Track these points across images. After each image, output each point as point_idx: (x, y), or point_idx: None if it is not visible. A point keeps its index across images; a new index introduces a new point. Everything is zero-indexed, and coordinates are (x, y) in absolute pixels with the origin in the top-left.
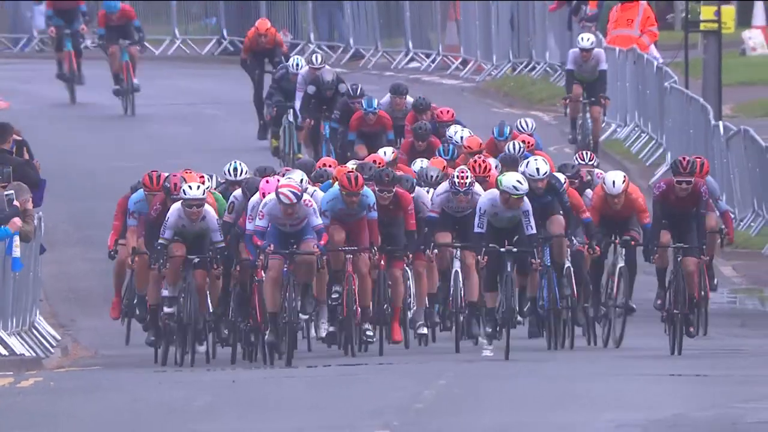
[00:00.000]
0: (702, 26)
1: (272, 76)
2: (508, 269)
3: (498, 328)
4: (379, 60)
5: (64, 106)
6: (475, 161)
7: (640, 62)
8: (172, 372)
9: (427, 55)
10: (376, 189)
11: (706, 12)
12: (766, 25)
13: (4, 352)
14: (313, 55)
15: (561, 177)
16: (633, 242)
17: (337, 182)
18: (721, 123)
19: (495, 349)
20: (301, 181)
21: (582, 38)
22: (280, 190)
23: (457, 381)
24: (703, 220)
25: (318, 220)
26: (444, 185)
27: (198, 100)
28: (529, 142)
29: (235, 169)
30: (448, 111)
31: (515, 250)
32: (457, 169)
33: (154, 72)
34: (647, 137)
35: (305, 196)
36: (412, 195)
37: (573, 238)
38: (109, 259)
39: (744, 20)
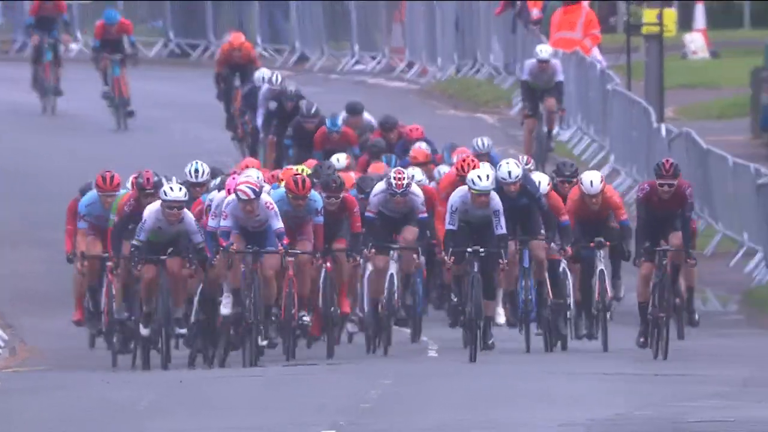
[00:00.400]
0: (644, 29)
1: (241, 92)
2: (475, 270)
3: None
4: (325, 62)
5: (14, 109)
6: (464, 160)
7: (582, 65)
8: (120, 372)
9: (373, 58)
10: (323, 194)
11: (648, 15)
12: (707, 29)
13: None
14: (274, 75)
15: (545, 179)
16: (608, 242)
17: (284, 184)
18: (663, 125)
19: (440, 349)
20: (258, 179)
21: (540, 50)
22: (238, 187)
23: (403, 380)
24: (688, 223)
25: (279, 223)
26: (381, 185)
27: (147, 102)
28: (474, 162)
29: (197, 170)
30: (417, 129)
31: (482, 251)
32: (393, 170)
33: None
34: (590, 140)
35: (265, 197)
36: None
37: (552, 243)
38: (68, 263)
39: (685, 24)
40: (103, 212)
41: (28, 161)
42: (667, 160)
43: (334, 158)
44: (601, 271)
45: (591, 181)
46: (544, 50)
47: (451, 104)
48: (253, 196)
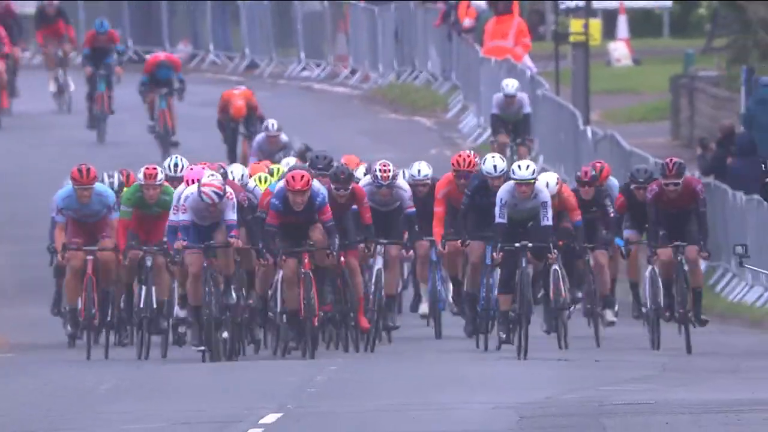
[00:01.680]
0: (571, 38)
1: (253, 143)
2: (524, 265)
3: (510, 331)
4: (274, 69)
5: None
6: (460, 155)
7: (514, 71)
8: (82, 358)
9: (318, 65)
10: (332, 186)
11: (575, 25)
12: (629, 38)
13: None
14: (269, 122)
15: (552, 179)
16: (561, 242)
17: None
18: (589, 128)
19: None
20: (242, 176)
21: (507, 84)
22: (202, 189)
23: (347, 367)
24: (704, 219)
25: (233, 215)
26: (367, 179)
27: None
28: (469, 157)
29: (176, 165)
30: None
31: (530, 245)
32: (379, 162)
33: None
34: (521, 140)
35: (228, 190)
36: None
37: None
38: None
39: (609, 33)
40: (79, 206)
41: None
42: (671, 160)
43: (283, 162)
44: (555, 270)
45: (547, 183)
46: (510, 85)
47: (392, 108)
48: (216, 201)
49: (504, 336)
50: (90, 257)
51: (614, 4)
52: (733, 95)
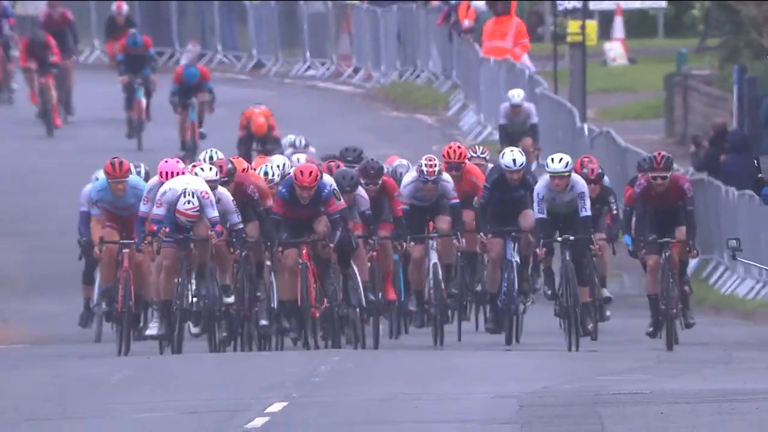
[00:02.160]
0: (569, 39)
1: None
2: (567, 258)
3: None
4: (280, 68)
5: None
6: (450, 147)
7: (513, 71)
8: (93, 350)
9: (323, 64)
10: (362, 181)
11: (573, 26)
12: (625, 38)
13: None
14: (297, 138)
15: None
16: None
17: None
18: (585, 125)
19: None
20: (284, 165)
21: (513, 95)
22: (177, 216)
23: (350, 357)
24: (692, 217)
25: (214, 213)
26: (412, 175)
27: (118, 104)
28: (459, 149)
29: (211, 158)
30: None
31: (572, 238)
32: (424, 158)
33: (77, 79)
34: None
35: (201, 187)
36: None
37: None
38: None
39: (605, 33)
40: (113, 199)
41: (5, 159)
42: (659, 153)
43: (293, 157)
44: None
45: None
46: (516, 95)
47: (394, 106)
48: (196, 219)
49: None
50: (126, 250)
51: (610, 6)
52: (725, 94)
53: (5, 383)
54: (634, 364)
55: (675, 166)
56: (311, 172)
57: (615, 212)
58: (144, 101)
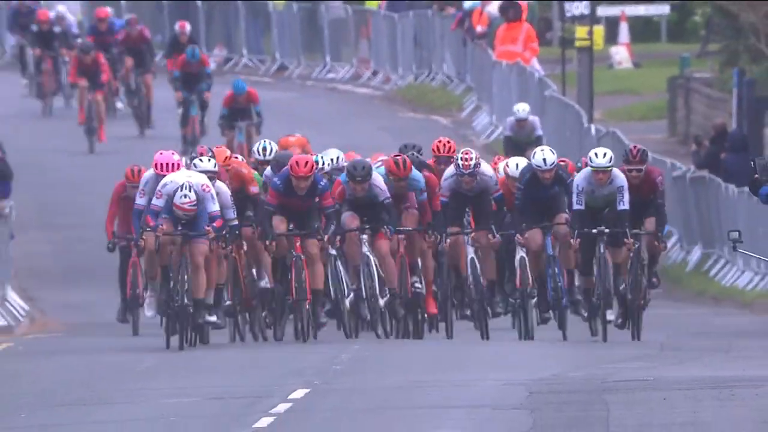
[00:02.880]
0: (576, 43)
1: None
2: (601, 251)
3: (593, 312)
4: (302, 71)
5: (31, 112)
6: (440, 141)
7: (523, 74)
8: (123, 338)
9: (343, 67)
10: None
11: (580, 31)
12: (630, 43)
13: None
14: (339, 155)
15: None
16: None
17: (383, 167)
18: (592, 126)
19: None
20: (338, 158)
21: (518, 109)
22: (175, 209)
23: (369, 346)
24: (662, 210)
25: (214, 206)
26: (450, 169)
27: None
28: (449, 143)
29: (264, 148)
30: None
31: (607, 231)
32: (461, 151)
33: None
34: (541, 126)
35: (202, 180)
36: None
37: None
38: (107, 251)
39: (611, 38)
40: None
41: (42, 154)
42: (635, 146)
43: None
44: (522, 258)
45: (517, 164)
46: (521, 109)
47: (410, 108)
48: (193, 212)
49: (586, 315)
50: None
51: (616, 12)
52: (725, 96)
53: (41, 370)
54: (638, 352)
55: (668, 159)
56: (307, 162)
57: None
58: (198, 117)
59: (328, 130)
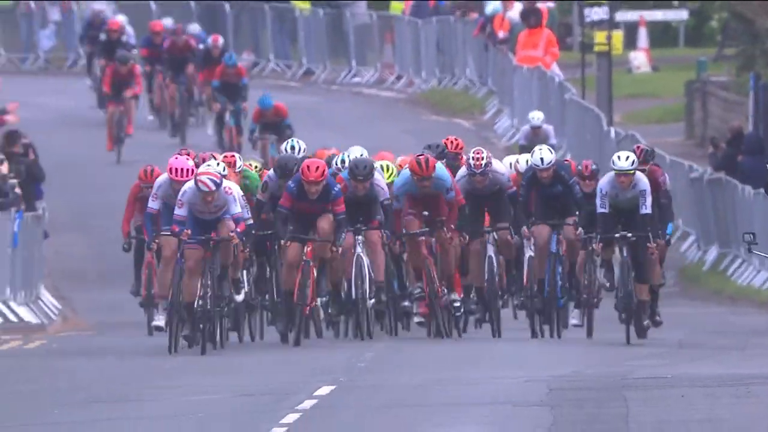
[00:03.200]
0: (596, 48)
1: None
2: (625, 255)
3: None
4: (328, 76)
5: (66, 115)
6: (448, 138)
7: (544, 78)
8: (151, 338)
9: (367, 71)
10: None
11: (599, 36)
12: (648, 47)
13: (15, 319)
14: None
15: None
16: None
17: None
18: (612, 129)
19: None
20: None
21: (533, 117)
22: (198, 177)
23: (393, 345)
24: (665, 208)
25: (237, 209)
26: (462, 170)
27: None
28: (456, 141)
29: (293, 147)
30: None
31: (629, 235)
32: (472, 151)
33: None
34: (555, 134)
35: (225, 183)
36: (372, 179)
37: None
38: (123, 251)
39: (630, 43)
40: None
41: (76, 158)
42: (638, 147)
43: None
44: (530, 257)
45: (511, 163)
46: (536, 117)
47: (433, 111)
48: (213, 188)
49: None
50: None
51: (635, 17)
52: (741, 99)
53: (73, 367)
54: (656, 350)
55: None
56: (318, 167)
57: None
58: (235, 129)
59: (353, 133)
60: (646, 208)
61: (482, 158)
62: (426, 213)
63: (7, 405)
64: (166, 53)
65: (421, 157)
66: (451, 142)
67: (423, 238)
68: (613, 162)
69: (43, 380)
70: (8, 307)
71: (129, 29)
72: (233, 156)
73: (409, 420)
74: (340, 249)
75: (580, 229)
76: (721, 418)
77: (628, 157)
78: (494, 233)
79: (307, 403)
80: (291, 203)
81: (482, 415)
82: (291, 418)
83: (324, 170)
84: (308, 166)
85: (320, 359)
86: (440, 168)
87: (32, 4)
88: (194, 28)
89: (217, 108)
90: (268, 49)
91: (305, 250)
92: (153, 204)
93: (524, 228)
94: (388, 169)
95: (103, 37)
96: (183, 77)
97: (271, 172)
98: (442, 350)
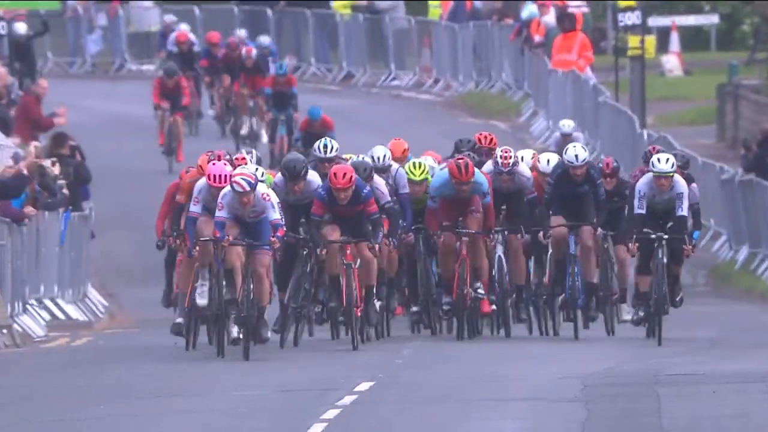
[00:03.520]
0: (629, 52)
1: None
2: (660, 256)
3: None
4: (367, 79)
5: (112, 118)
6: (482, 133)
7: (578, 81)
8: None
9: (406, 75)
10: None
11: (633, 41)
12: (681, 51)
13: (63, 317)
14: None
15: (528, 154)
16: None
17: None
18: (645, 131)
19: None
20: (256, 169)
21: (564, 125)
22: (234, 179)
23: (429, 343)
24: (694, 214)
25: (276, 215)
26: (489, 165)
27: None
28: (490, 136)
29: (325, 146)
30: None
31: (666, 237)
32: (500, 149)
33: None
34: (584, 142)
35: (262, 188)
36: (371, 182)
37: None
38: (157, 248)
39: (662, 47)
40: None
41: (122, 160)
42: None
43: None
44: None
45: (522, 157)
46: (567, 125)
47: (470, 113)
48: (248, 189)
49: (641, 315)
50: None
51: (667, 22)
52: None
53: (119, 363)
54: (688, 347)
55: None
56: (345, 174)
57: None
58: (286, 138)
59: (392, 135)
60: (683, 211)
61: (510, 157)
62: (460, 219)
63: (55, 400)
64: (221, 63)
65: (460, 161)
66: (485, 137)
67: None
68: (653, 164)
69: (90, 376)
70: (56, 305)
71: (193, 37)
72: (244, 158)
73: (447, 415)
74: (378, 247)
75: (599, 230)
76: (753, 413)
77: (668, 160)
78: (504, 233)
79: (347, 399)
80: (323, 209)
81: (519, 410)
82: (331, 413)
83: (352, 176)
84: (335, 173)
85: (358, 357)
86: (478, 173)
87: (79, 9)
88: (241, 33)
89: (269, 117)
90: (310, 53)
91: (346, 253)
92: (194, 208)
93: (541, 233)
94: (420, 167)
95: (174, 50)
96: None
97: (278, 176)
98: (477, 348)
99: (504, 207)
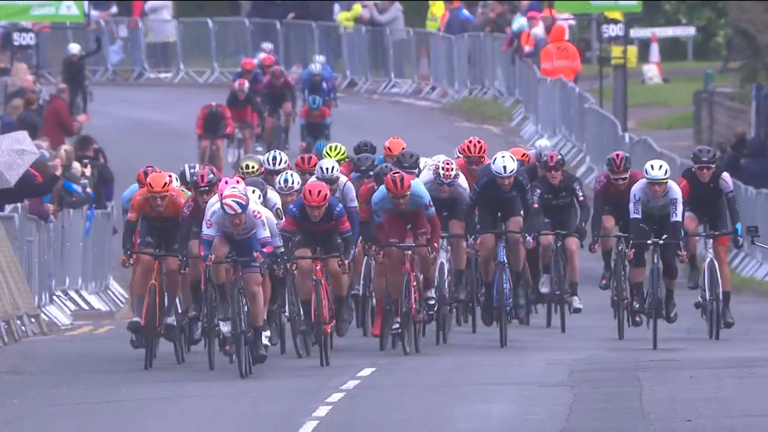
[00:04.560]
0: (612, 62)
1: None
2: (655, 261)
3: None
4: (369, 86)
5: (132, 123)
6: (470, 141)
7: (565, 88)
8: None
9: (405, 83)
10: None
11: (616, 51)
12: (660, 61)
13: (86, 307)
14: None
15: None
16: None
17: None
18: (626, 134)
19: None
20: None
21: (540, 144)
22: (224, 200)
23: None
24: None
25: (265, 233)
26: (428, 175)
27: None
28: (480, 143)
29: (274, 158)
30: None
31: (661, 242)
32: (442, 161)
33: (199, 98)
34: (572, 145)
35: (253, 207)
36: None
37: (527, 235)
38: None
39: (643, 57)
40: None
41: (142, 161)
42: (618, 155)
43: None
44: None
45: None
46: (543, 144)
47: (465, 118)
48: (239, 211)
49: (635, 306)
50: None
51: (648, 34)
52: (745, 107)
53: (138, 350)
54: (667, 336)
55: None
56: (320, 192)
57: (582, 199)
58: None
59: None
60: (677, 216)
61: (452, 170)
62: (409, 226)
63: (79, 385)
64: (266, 89)
65: (396, 174)
66: (474, 144)
67: (409, 252)
68: (647, 171)
69: (111, 362)
70: (80, 296)
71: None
72: (243, 178)
73: (445, 398)
74: (348, 264)
75: (528, 238)
76: (726, 396)
77: (661, 167)
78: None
79: (350, 384)
80: (294, 226)
81: (510, 394)
82: (336, 397)
83: (326, 194)
84: (310, 191)
85: (360, 346)
86: (416, 185)
87: (102, 22)
88: (267, 46)
89: (302, 147)
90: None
91: (315, 270)
92: (208, 231)
93: (470, 240)
94: (336, 149)
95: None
96: (279, 112)
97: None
98: (472, 338)
99: (445, 213)
